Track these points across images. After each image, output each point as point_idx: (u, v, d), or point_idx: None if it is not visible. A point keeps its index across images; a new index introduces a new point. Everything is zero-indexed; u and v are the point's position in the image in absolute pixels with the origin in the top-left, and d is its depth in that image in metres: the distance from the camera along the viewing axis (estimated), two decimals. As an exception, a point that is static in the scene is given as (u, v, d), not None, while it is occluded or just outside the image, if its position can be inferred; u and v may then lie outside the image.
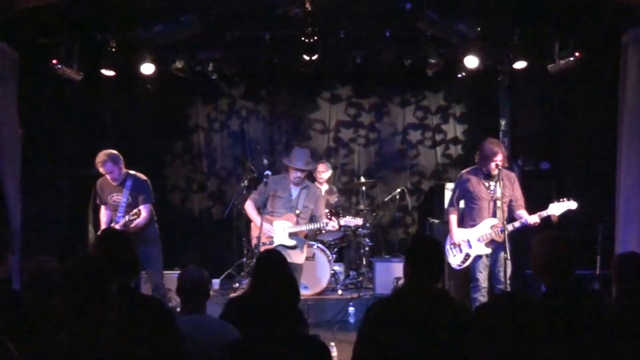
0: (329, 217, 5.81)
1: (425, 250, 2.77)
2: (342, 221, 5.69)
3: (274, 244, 5.41)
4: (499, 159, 5.04)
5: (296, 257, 5.49)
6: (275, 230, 5.47)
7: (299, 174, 5.45)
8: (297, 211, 5.49)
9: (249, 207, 5.63)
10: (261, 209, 5.52)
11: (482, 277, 5.15)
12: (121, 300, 2.35)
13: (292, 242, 5.48)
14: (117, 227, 5.32)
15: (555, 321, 2.53)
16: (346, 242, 7.28)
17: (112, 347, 2.20)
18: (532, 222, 4.98)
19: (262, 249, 5.39)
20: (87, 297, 2.21)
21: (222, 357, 2.46)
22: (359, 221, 5.83)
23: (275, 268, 3.20)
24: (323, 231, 6.67)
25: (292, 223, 5.47)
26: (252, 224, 5.69)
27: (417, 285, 2.67)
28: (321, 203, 5.71)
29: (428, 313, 2.51)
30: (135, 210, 5.30)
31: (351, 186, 7.88)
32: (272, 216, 5.49)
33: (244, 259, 7.02)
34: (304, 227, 5.55)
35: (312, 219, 5.59)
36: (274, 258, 3.32)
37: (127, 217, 5.30)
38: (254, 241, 5.54)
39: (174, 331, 2.57)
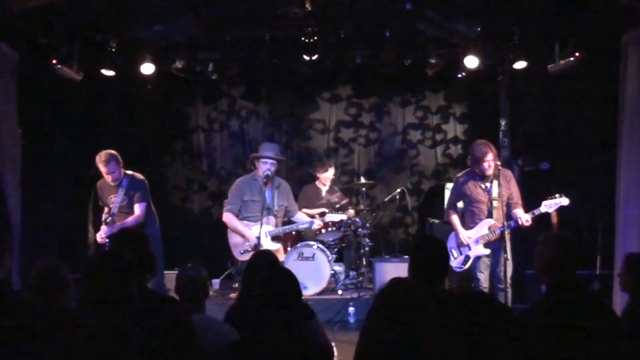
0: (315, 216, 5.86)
1: (429, 251, 2.78)
2: (327, 218, 5.88)
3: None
4: (490, 158, 5.06)
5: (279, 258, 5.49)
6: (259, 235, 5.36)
7: (269, 165, 5.37)
8: (275, 212, 5.47)
9: (231, 219, 5.43)
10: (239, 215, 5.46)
11: (484, 277, 5.16)
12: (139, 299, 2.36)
13: (277, 246, 5.45)
14: (106, 229, 5.30)
15: (556, 321, 2.53)
16: (346, 242, 7.27)
17: (129, 341, 2.20)
18: (523, 222, 4.98)
19: (247, 256, 5.36)
20: (110, 290, 2.22)
21: (221, 358, 2.46)
22: (343, 216, 6.03)
23: (267, 269, 3.16)
24: (323, 230, 6.68)
25: (273, 226, 5.44)
26: (229, 233, 5.55)
27: (418, 286, 2.67)
28: (292, 196, 5.73)
29: (426, 313, 2.50)
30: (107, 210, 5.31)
31: (351, 186, 7.88)
32: (249, 221, 5.40)
33: (232, 269, 7.02)
34: (287, 229, 5.55)
35: (287, 214, 5.60)
36: (264, 260, 3.29)
37: (105, 218, 5.30)
38: (238, 249, 5.44)
39: (189, 333, 2.56)
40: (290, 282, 2.48)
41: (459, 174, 5.46)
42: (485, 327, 1.96)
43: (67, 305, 2.97)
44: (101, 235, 5.53)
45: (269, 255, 3.42)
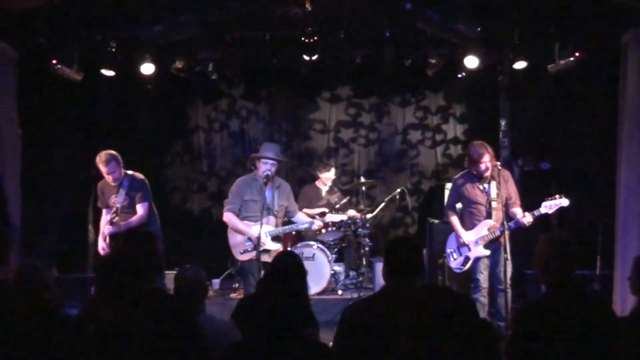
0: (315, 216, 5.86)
1: (399, 252, 2.76)
2: (327, 218, 5.93)
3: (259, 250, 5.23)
4: (487, 159, 5.06)
5: None
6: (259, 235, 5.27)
7: (269, 165, 5.37)
8: (275, 212, 5.47)
9: (232, 219, 5.38)
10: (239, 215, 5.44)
11: (483, 277, 5.15)
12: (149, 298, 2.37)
13: (278, 246, 5.43)
14: (110, 229, 5.30)
15: (555, 321, 2.54)
16: (346, 242, 7.27)
17: (137, 340, 2.21)
18: (525, 223, 4.97)
19: (246, 256, 5.36)
20: (123, 289, 2.23)
21: (222, 357, 2.46)
22: (343, 216, 6.08)
23: (290, 272, 3.16)
24: (323, 230, 6.69)
25: (273, 226, 5.44)
26: (229, 233, 5.51)
27: (392, 287, 2.67)
28: (292, 197, 5.74)
29: (401, 315, 2.51)
30: (114, 209, 5.31)
31: (351, 186, 7.88)
32: (249, 221, 5.39)
33: (232, 269, 7.02)
34: (287, 229, 5.55)
35: (287, 214, 5.62)
36: (291, 262, 3.29)
37: (112, 217, 5.29)
38: (238, 249, 5.43)
39: (195, 333, 2.56)
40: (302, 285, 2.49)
41: (457, 176, 5.46)
42: (449, 320, 1.96)
43: (51, 306, 2.95)
44: (104, 233, 5.49)
45: (297, 257, 3.40)
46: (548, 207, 4.99)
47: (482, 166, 5.08)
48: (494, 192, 5.12)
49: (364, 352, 2.50)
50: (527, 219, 4.97)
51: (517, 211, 5.10)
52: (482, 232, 5.15)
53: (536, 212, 4.99)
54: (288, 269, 3.15)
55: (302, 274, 3.18)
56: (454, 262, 5.34)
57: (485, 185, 5.19)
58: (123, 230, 5.17)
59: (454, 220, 5.33)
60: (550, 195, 5.05)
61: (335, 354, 2.61)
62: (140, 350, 2.24)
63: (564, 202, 4.99)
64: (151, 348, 2.26)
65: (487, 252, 5.15)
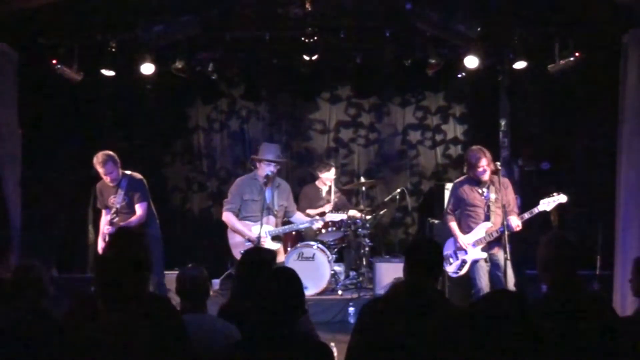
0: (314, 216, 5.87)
1: (423, 251, 2.79)
2: (327, 217, 5.95)
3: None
4: (484, 163, 5.08)
5: (279, 259, 5.48)
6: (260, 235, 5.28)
7: (271, 167, 5.38)
8: (275, 211, 5.47)
9: (230, 219, 5.40)
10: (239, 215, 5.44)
11: (484, 281, 5.14)
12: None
13: (277, 246, 5.43)
14: (110, 229, 5.30)
15: (556, 320, 2.54)
16: (346, 242, 7.27)
17: (140, 339, 2.20)
18: (514, 227, 4.97)
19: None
20: (122, 288, 2.23)
21: (222, 358, 2.46)
22: (343, 216, 6.11)
23: (258, 268, 3.15)
24: (323, 230, 6.69)
25: (273, 226, 5.44)
26: (229, 233, 5.52)
27: (412, 285, 2.69)
28: (292, 197, 5.75)
29: (420, 313, 2.53)
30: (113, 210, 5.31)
31: (351, 186, 7.88)
32: (249, 221, 5.40)
33: (232, 269, 7.02)
34: (287, 229, 5.55)
35: (286, 214, 5.63)
36: (257, 258, 3.28)
37: (112, 218, 5.29)
38: (238, 249, 5.43)
39: (180, 331, 2.55)
40: (287, 282, 2.48)
41: (456, 180, 5.49)
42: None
43: (43, 305, 2.95)
44: (104, 234, 5.50)
45: (262, 252, 3.40)
46: (546, 203, 5.03)
47: (480, 170, 5.10)
48: (492, 196, 5.14)
49: (381, 349, 2.51)
50: (514, 222, 4.97)
51: (513, 219, 5.11)
52: (479, 234, 5.16)
53: (535, 210, 5.02)
54: (254, 265, 3.15)
55: (271, 267, 3.17)
56: (450, 266, 5.35)
57: (484, 189, 5.21)
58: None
59: (452, 225, 5.34)
60: (549, 195, 5.05)
61: (352, 351, 2.62)
62: (136, 351, 2.23)
63: (562, 198, 5.01)
64: (146, 348, 2.26)
65: (484, 255, 5.15)
